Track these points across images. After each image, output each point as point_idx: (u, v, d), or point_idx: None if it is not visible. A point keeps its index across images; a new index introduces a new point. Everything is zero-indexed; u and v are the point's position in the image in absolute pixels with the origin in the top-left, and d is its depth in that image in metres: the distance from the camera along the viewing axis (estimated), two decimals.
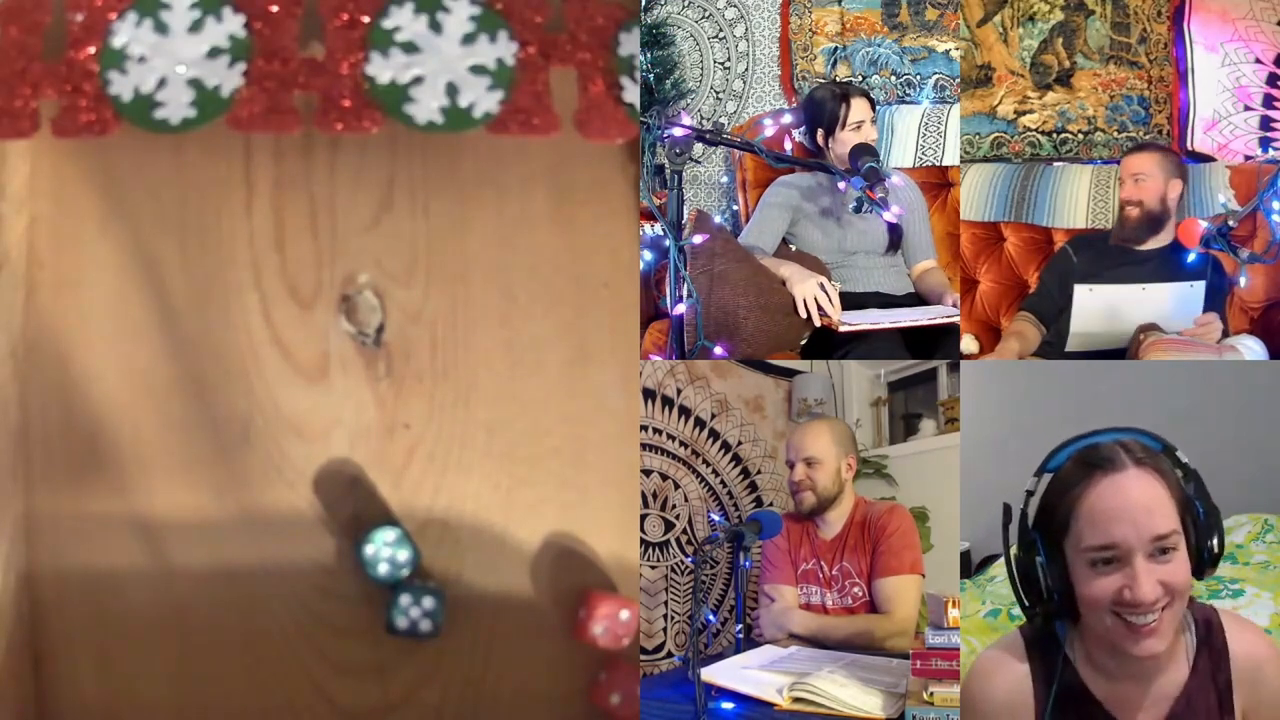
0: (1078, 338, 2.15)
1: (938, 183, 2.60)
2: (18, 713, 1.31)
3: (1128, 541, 1.02)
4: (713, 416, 2.68)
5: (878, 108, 2.43)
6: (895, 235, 2.28)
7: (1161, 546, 1.03)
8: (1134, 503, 1.03)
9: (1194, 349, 1.99)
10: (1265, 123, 2.46)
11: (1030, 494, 1.09)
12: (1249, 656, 1.12)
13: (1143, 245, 2.23)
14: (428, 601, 1.31)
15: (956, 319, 2.07)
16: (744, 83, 2.90)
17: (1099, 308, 2.12)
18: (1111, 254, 2.27)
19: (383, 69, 1.22)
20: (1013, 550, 1.10)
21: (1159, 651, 1.05)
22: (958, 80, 2.71)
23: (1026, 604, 1.11)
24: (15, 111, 1.23)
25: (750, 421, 2.80)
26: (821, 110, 2.31)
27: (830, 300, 2.01)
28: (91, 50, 1.23)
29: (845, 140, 2.25)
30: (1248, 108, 2.47)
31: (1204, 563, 1.06)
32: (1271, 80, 2.45)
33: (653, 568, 2.46)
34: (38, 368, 1.33)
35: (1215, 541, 1.06)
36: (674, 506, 2.54)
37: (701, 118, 2.89)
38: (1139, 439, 1.08)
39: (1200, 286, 2.06)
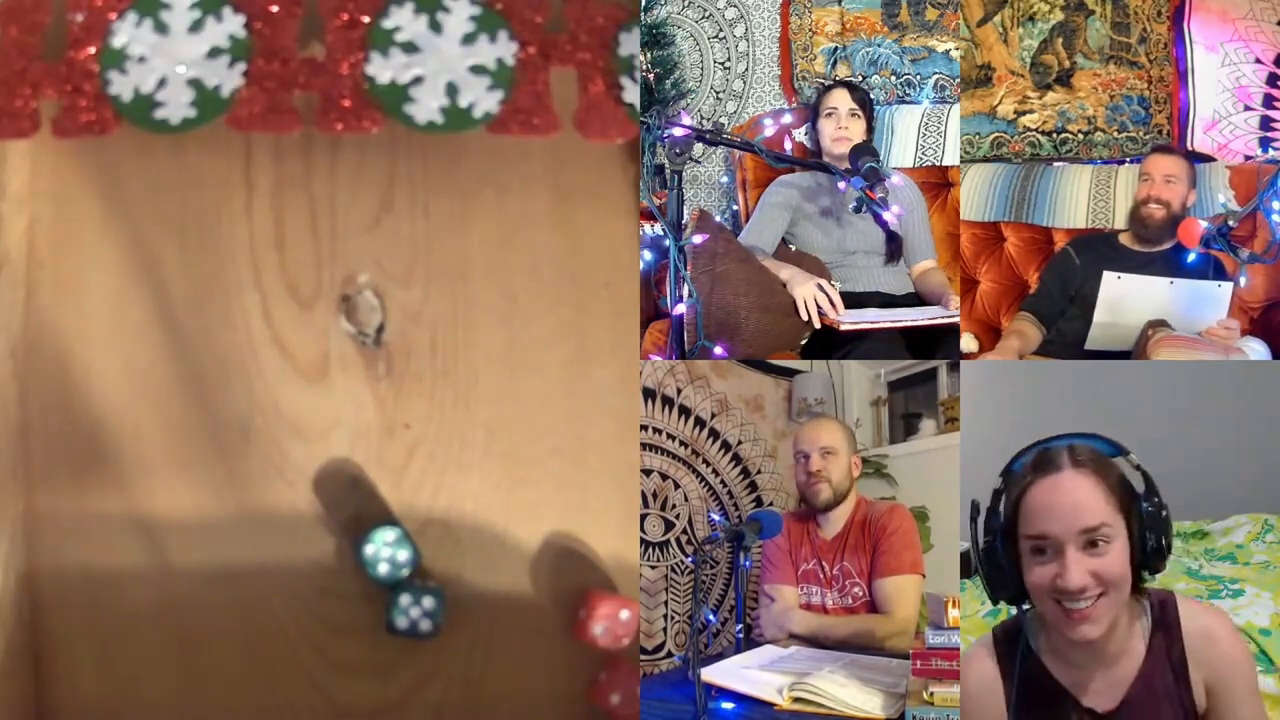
0: (1099, 329, 2.14)
1: (938, 183, 2.60)
2: (18, 713, 1.31)
3: (1057, 533, 1.12)
4: (713, 416, 2.68)
5: (877, 107, 2.44)
6: (895, 246, 2.29)
7: (1091, 539, 1.11)
8: (1064, 499, 1.13)
9: (1200, 348, 1.99)
10: (1265, 123, 2.46)
11: (998, 492, 1.19)
12: (1201, 629, 1.18)
13: (1161, 246, 2.23)
14: (428, 601, 1.31)
15: (956, 319, 2.07)
16: (744, 83, 2.90)
17: (1125, 299, 2.11)
18: (1114, 254, 2.27)
19: (383, 69, 1.22)
20: (980, 542, 1.20)
21: (1092, 637, 1.13)
22: (958, 80, 2.71)
23: (988, 588, 1.21)
24: (15, 111, 1.23)
25: (750, 421, 2.80)
26: (814, 103, 2.41)
27: (830, 301, 2.01)
28: (91, 50, 1.23)
29: (822, 129, 2.36)
30: (1248, 108, 2.47)
31: (1148, 555, 1.14)
32: (1271, 80, 2.45)
33: (653, 568, 2.46)
34: (38, 368, 1.33)
35: (1158, 538, 1.14)
36: (674, 506, 2.54)
37: (701, 118, 2.89)
38: (1091, 444, 1.17)
39: (1228, 288, 2.05)
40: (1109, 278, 2.12)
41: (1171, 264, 2.16)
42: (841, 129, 2.31)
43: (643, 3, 2.81)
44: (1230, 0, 2.46)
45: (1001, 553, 1.18)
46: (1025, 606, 1.21)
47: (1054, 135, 2.67)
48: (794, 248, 2.30)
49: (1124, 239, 2.30)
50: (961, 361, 2.44)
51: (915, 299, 2.28)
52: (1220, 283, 2.06)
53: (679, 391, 2.58)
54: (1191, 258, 2.06)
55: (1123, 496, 1.14)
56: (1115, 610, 1.14)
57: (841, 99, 2.34)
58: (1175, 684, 1.17)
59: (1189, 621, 1.18)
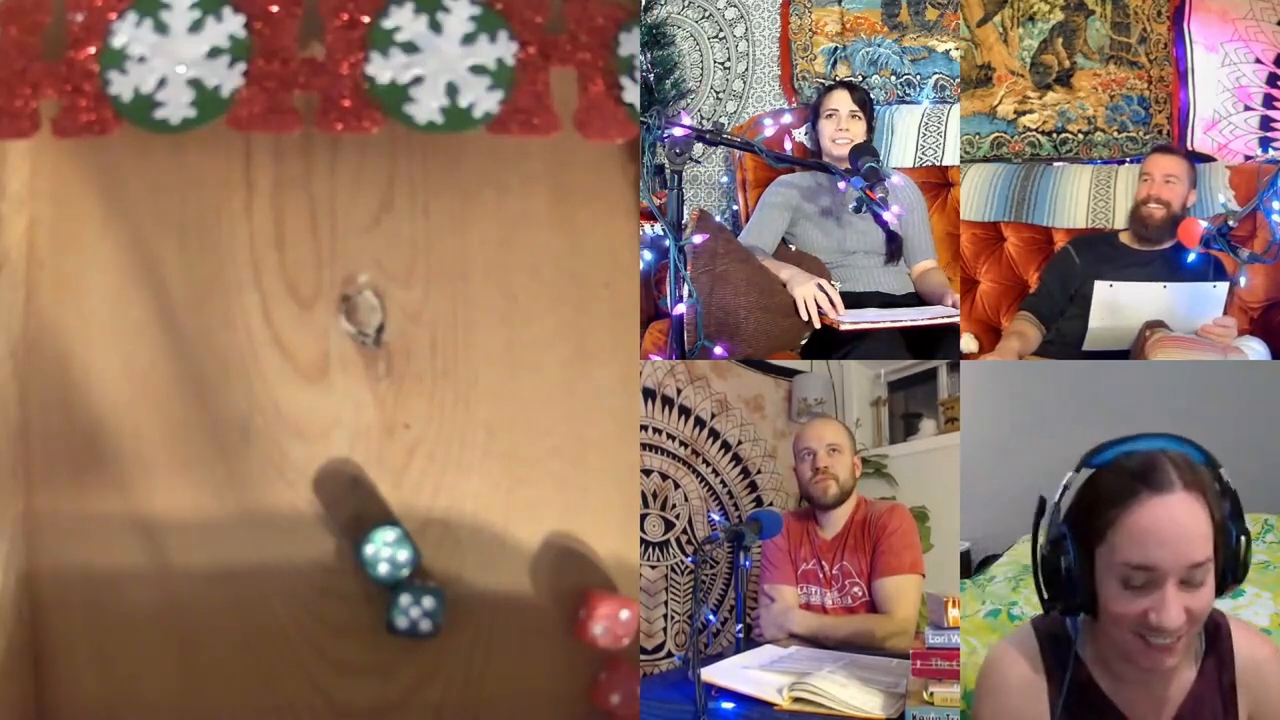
0: (1096, 332, 2.14)
1: (938, 183, 2.59)
2: (18, 713, 1.31)
3: (1165, 566, 1.02)
4: (713, 416, 2.68)
5: (877, 107, 2.44)
6: (895, 246, 2.29)
7: (1193, 576, 1.02)
8: (1178, 528, 1.02)
9: (1198, 348, 1.99)
10: (1265, 123, 2.46)
11: (1066, 488, 1.08)
12: (1252, 658, 1.13)
13: (1161, 245, 2.23)
14: (428, 601, 1.31)
15: (956, 319, 2.07)
16: (744, 83, 2.90)
17: (1117, 304, 2.11)
18: (1114, 255, 2.27)
19: (383, 69, 1.22)
20: (1040, 541, 1.09)
21: (1169, 668, 1.06)
22: (958, 80, 2.71)
23: (1046, 596, 1.10)
24: (15, 111, 1.23)
25: (750, 421, 2.80)
26: (814, 104, 2.41)
27: (830, 301, 2.01)
28: (91, 50, 1.23)
29: (822, 130, 2.36)
30: (1248, 108, 2.47)
31: (1226, 582, 1.07)
32: (1271, 80, 2.45)
33: (653, 568, 2.46)
34: (38, 368, 1.33)
35: (1241, 565, 1.07)
36: (674, 506, 2.54)
37: (701, 118, 2.89)
38: (1185, 450, 1.07)
39: (1223, 288, 2.05)
40: (1101, 286, 2.12)
41: (1171, 264, 2.16)
42: (842, 130, 2.31)
43: (643, 3, 2.81)
44: (1230, 0, 2.45)
45: (1074, 562, 1.05)
46: (1080, 616, 1.11)
47: (1054, 135, 2.67)
48: (794, 248, 2.30)
49: (1124, 238, 2.30)
50: (961, 361, 2.44)
51: (915, 299, 2.28)
52: (1215, 283, 2.06)
53: (679, 391, 2.58)
54: (1191, 258, 2.06)
55: (1219, 520, 1.04)
56: (1191, 641, 1.08)
57: (842, 100, 2.34)
58: (1224, 711, 1.11)
59: (1242, 647, 1.13)
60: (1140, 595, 1.03)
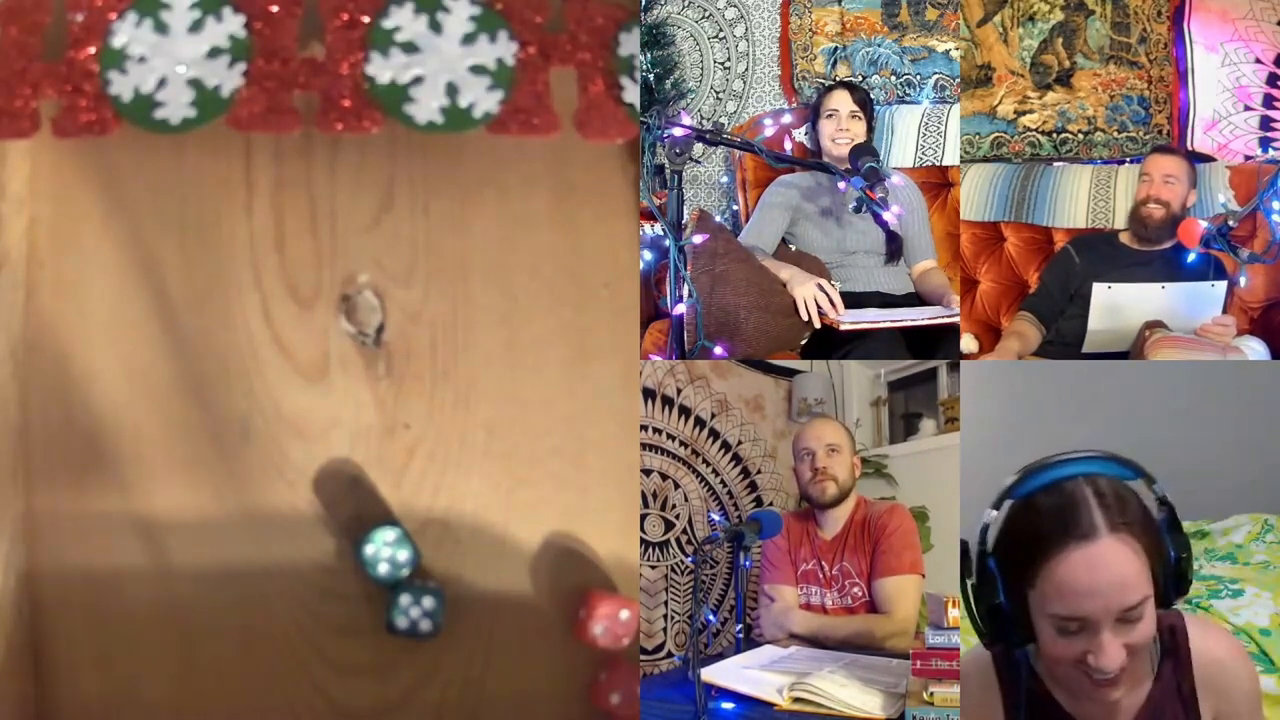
0: (1095, 335, 2.15)
1: (938, 183, 2.60)
2: (18, 713, 1.31)
3: (1096, 616, 0.99)
4: (713, 416, 2.68)
5: (876, 107, 2.44)
6: (895, 245, 2.29)
7: (1127, 617, 0.99)
8: (1108, 576, 0.98)
9: (1198, 348, 1.99)
10: (1265, 123, 2.46)
11: (986, 528, 1.04)
12: (1213, 659, 1.10)
13: (1160, 245, 2.23)
14: (428, 601, 1.31)
15: (956, 319, 2.07)
16: (744, 83, 2.90)
17: (1115, 306, 2.12)
18: (1114, 255, 2.27)
19: (383, 69, 1.22)
20: (970, 582, 1.05)
21: (1117, 698, 1.04)
22: (958, 80, 2.71)
23: (984, 632, 1.07)
24: (15, 111, 1.23)
25: (750, 421, 2.80)
26: (814, 104, 2.41)
27: (830, 300, 2.01)
28: (91, 50, 1.23)
29: (822, 129, 2.36)
30: (1248, 108, 2.47)
31: (1170, 594, 1.04)
32: (1271, 80, 2.45)
33: (653, 568, 2.46)
34: (38, 368, 1.33)
35: (1184, 580, 1.04)
36: (674, 506, 2.54)
37: (701, 118, 2.89)
38: (1110, 471, 1.03)
39: (1222, 287, 2.05)
40: (1099, 288, 2.12)
41: (1171, 263, 2.16)
42: (843, 130, 2.31)
43: (643, 3, 2.81)
44: (1230, 0, 2.46)
45: (1006, 603, 1.02)
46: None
47: (1054, 135, 2.67)
48: (794, 248, 2.30)
49: (1124, 238, 2.30)
50: (961, 361, 2.44)
51: (915, 299, 2.28)
52: (1214, 283, 2.06)
53: (679, 391, 2.58)
54: (1191, 258, 2.06)
55: (1149, 544, 1.00)
56: (1140, 668, 1.06)
57: (843, 100, 2.35)
58: (1184, 713, 1.09)
59: (1199, 647, 1.10)
60: (1076, 639, 1.00)
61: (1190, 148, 2.49)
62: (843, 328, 2.00)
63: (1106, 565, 0.98)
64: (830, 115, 2.34)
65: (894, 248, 2.29)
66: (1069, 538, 0.99)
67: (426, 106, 1.21)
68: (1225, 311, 2.08)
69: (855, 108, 2.34)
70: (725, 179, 2.89)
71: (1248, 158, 2.45)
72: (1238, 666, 1.11)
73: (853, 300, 2.11)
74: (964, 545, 1.06)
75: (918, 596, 2.07)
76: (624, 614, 1.32)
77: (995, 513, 1.04)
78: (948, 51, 2.73)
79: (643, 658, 2.39)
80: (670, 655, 2.46)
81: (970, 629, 1.11)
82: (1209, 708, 1.10)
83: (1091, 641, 0.99)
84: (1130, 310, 2.10)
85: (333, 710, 1.35)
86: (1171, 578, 1.03)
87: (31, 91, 1.23)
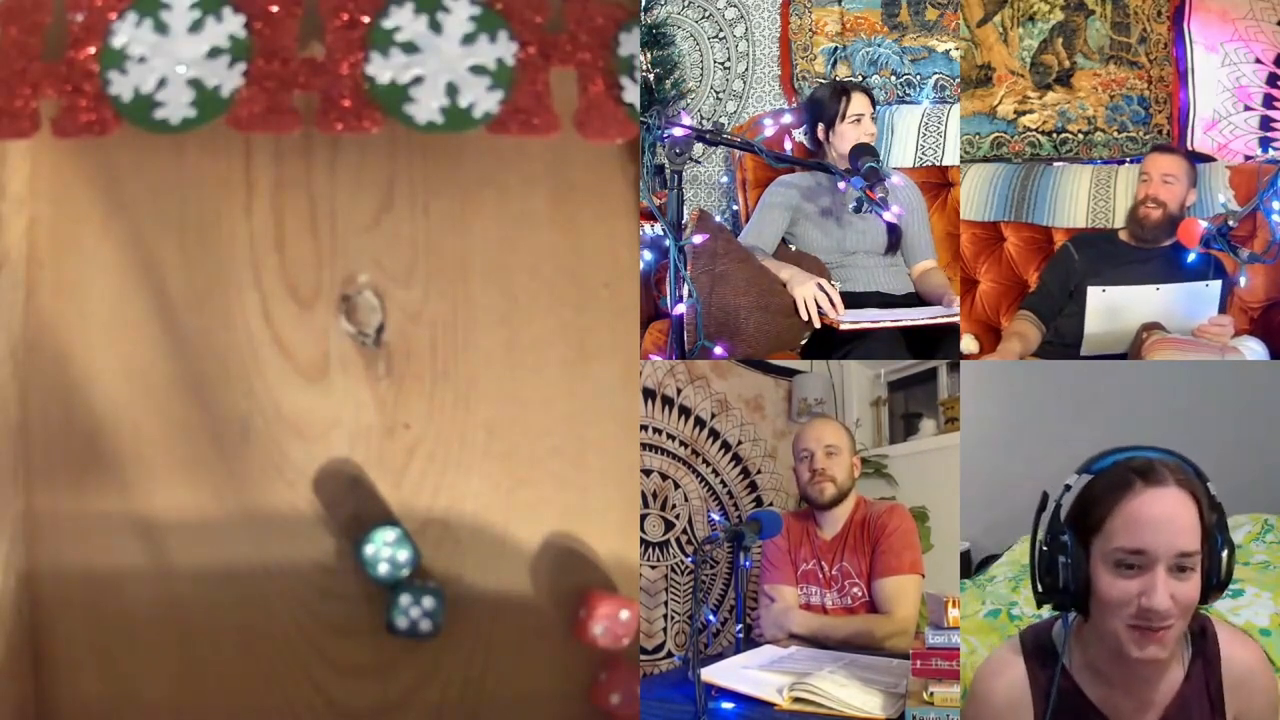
0: (1092, 338, 2.15)
1: (938, 183, 2.60)
2: (18, 713, 1.31)
3: (1155, 550, 1.07)
4: (713, 416, 2.68)
5: (878, 107, 2.43)
6: (894, 237, 2.28)
7: (1181, 564, 1.07)
8: (1170, 516, 1.08)
9: (1196, 349, 1.99)
10: (1265, 123, 2.46)
11: (1068, 488, 1.13)
12: (1241, 663, 1.16)
13: (1157, 245, 2.23)
14: (428, 601, 1.31)
15: (956, 319, 2.07)
16: (744, 83, 2.90)
17: (1111, 309, 2.12)
18: (1114, 253, 2.27)
19: (383, 69, 1.22)
20: (1039, 538, 1.14)
21: (1161, 658, 1.10)
22: (958, 80, 2.71)
23: (1041, 589, 1.15)
24: (15, 111, 1.23)
25: (750, 421, 2.80)
26: (822, 106, 2.34)
27: (830, 300, 2.01)
28: (91, 50, 1.23)
29: (844, 134, 2.28)
30: (1248, 108, 2.47)
31: (1210, 588, 1.11)
32: (1271, 80, 2.45)
33: (653, 568, 2.46)
34: (38, 368, 1.33)
35: (1225, 572, 1.11)
36: (674, 506, 2.54)
37: (701, 118, 2.89)
38: (1179, 461, 1.13)
39: (1216, 286, 2.05)
40: (1094, 291, 2.13)
41: (1171, 263, 2.16)
42: (870, 135, 2.27)
43: (643, 3, 2.81)
44: (1230, 0, 2.46)
45: (1071, 555, 1.11)
46: (1070, 615, 1.16)
47: (1054, 135, 2.67)
48: (794, 248, 2.30)
49: (1123, 235, 2.31)
50: (961, 361, 2.44)
51: (915, 299, 2.28)
52: (1208, 282, 2.06)
53: (679, 391, 2.58)
54: (1191, 258, 2.06)
55: (1206, 525, 1.10)
56: (1179, 636, 1.12)
57: (865, 104, 2.29)
58: (1211, 713, 1.14)
59: (1228, 653, 1.16)
60: (1132, 580, 1.08)
61: (1190, 148, 2.49)
62: (843, 328, 2.00)
63: (1173, 506, 1.08)
64: (857, 120, 2.28)
65: (894, 239, 2.28)
66: (1142, 480, 1.09)
67: (426, 106, 1.21)
68: (1224, 311, 2.08)
69: (873, 110, 2.31)
70: (725, 179, 2.89)
71: (1248, 158, 2.45)
72: (1264, 674, 1.17)
73: (853, 300, 2.11)
74: (1044, 496, 1.15)
75: (918, 596, 2.07)
76: (624, 614, 1.32)
77: (1077, 477, 1.14)
78: (948, 51, 2.73)
79: (643, 658, 2.39)
80: (670, 655, 2.46)
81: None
82: (1231, 708, 1.14)
83: (1146, 581, 1.07)
84: (1126, 313, 2.10)
85: (333, 710, 1.36)
86: (1216, 565, 1.10)
87: (31, 91, 1.23)
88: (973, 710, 1.21)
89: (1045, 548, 1.14)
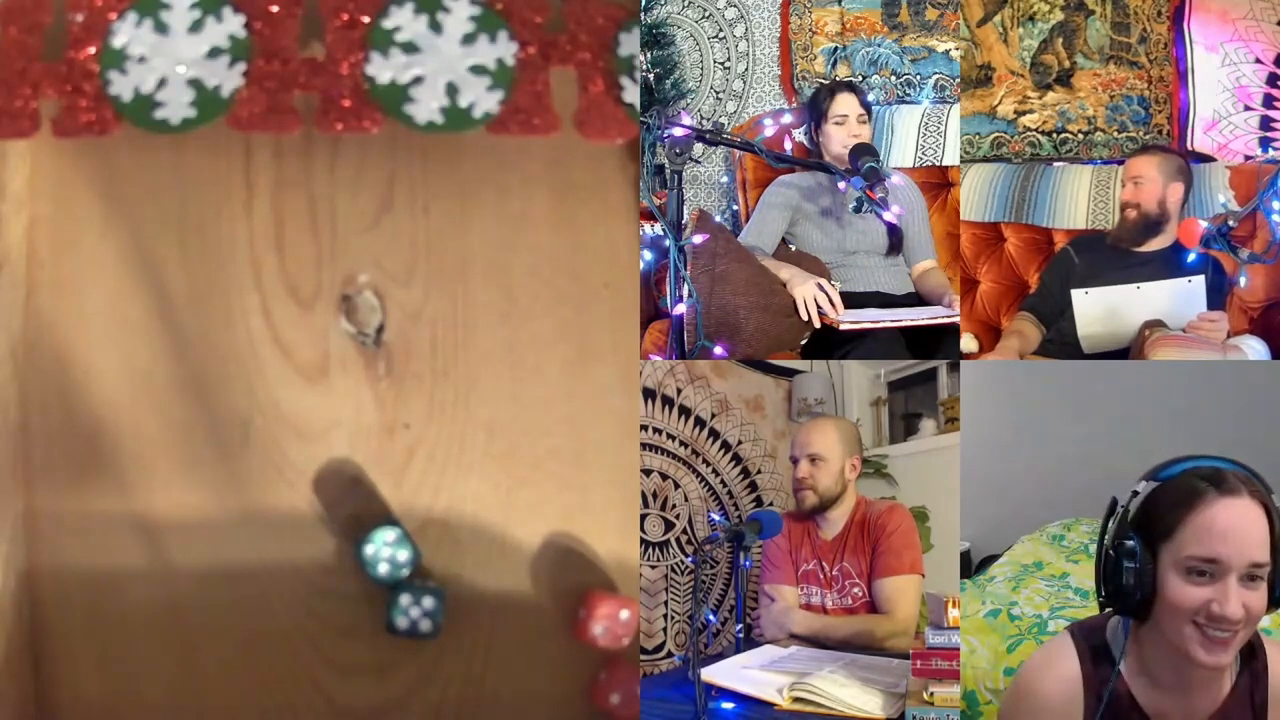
0: (1086, 339, 2.16)
1: (938, 183, 2.60)
2: (18, 713, 1.31)
3: (1229, 560, 1.08)
4: (713, 416, 2.68)
5: (876, 107, 2.44)
6: (895, 239, 2.29)
7: (1253, 574, 1.08)
8: (1244, 526, 1.09)
9: (1198, 347, 1.99)
10: (1265, 123, 2.46)
11: (1135, 494, 1.14)
12: None
13: (1141, 247, 2.24)
14: (428, 601, 1.31)
15: (956, 319, 2.07)
16: (744, 83, 2.90)
17: (1098, 310, 2.13)
18: (1113, 255, 2.27)
19: (383, 69, 1.22)
20: (1106, 543, 1.15)
21: (1225, 664, 1.11)
22: (958, 80, 2.71)
23: (1105, 595, 1.16)
24: (15, 111, 1.23)
25: (750, 421, 2.80)
26: (814, 106, 2.38)
27: (830, 300, 2.01)
28: (91, 50, 1.23)
29: (829, 134, 2.32)
30: (1248, 108, 2.47)
31: (1275, 596, 1.12)
32: (1271, 80, 2.45)
33: (653, 568, 2.46)
34: (38, 368, 1.33)
35: None
36: (674, 506, 2.54)
37: (701, 118, 2.89)
38: (1248, 474, 1.14)
39: (1199, 282, 2.06)
40: (1078, 294, 2.14)
41: (1171, 263, 2.16)
42: (855, 136, 2.29)
43: (643, 3, 2.81)
44: (1230, 0, 2.45)
45: (1139, 560, 1.11)
46: (1127, 619, 1.16)
47: (1054, 135, 2.67)
48: (794, 248, 2.30)
49: (1109, 239, 2.32)
50: (961, 361, 2.44)
51: (915, 299, 2.28)
52: (1190, 279, 2.07)
53: (679, 391, 2.58)
54: (1191, 258, 2.06)
55: (1275, 536, 1.11)
56: (1241, 645, 1.12)
57: (850, 104, 2.31)
58: None
59: (1275, 668, 1.17)
60: (1204, 587, 1.08)
61: (1190, 148, 2.49)
62: (843, 328, 2.00)
63: (1246, 516, 1.09)
64: (841, 121, 2.31)
65: (895, 240, 2.29)
66: (1215, 490, 1.10)
67: (426, 106, 1.21)
68: (1221, 307, 2.08)
69: (863, 110, 2.32)
70: (725, 179, 2.89)
71: (1248, 158, 2.45)
72: None
73: (853, 300, 2.11)
74: (1113, 502, 1.16)
75: (918, 596, 2.07)
76: (624, 614, 1.32)
77: (1146, 484, 1.14)
78: (948, 51, 2.73)
79: (643, 658, 2.39)
80: (670, 655, 2.46)
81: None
82: None
83: (1218, 589, 1.07)
84: (1115, 311, 2.11)
85: (333, 710, 1.36)
86: (1276, 585, 1.11)
87: (31, 91, 1.23)
88: (1020, 702, 1.20)
89: (1112, 552, 1.14)
